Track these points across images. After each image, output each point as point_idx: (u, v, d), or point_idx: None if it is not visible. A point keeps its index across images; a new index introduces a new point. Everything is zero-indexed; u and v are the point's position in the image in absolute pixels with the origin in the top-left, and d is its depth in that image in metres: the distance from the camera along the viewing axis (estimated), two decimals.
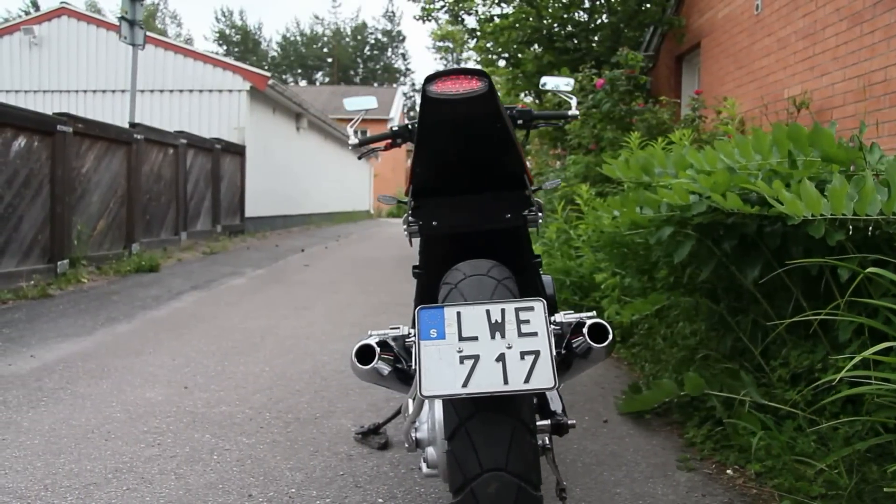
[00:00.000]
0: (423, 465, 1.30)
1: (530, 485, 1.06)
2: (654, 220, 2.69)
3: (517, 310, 1.10)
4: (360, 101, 2.41)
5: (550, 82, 2.32)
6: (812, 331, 2.21)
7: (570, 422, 1.33)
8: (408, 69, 58.19)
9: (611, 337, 1.31)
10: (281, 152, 13.70)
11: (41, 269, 5.69)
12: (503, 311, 1.09)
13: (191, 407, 2.70)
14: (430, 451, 1.28)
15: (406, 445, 1.34)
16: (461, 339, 1.07)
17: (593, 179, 4.87)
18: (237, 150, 11.42)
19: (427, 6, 9.05)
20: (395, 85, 47.60)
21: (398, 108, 32.60)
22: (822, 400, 2.00)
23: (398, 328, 1.58)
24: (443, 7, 9.03)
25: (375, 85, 48.01)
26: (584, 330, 1.30)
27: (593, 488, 1.95)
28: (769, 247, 2.26)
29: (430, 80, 1.20)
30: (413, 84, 55.43)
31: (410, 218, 1.47)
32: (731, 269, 2.49)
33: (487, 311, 1.09)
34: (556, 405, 1.37)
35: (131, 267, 6.62)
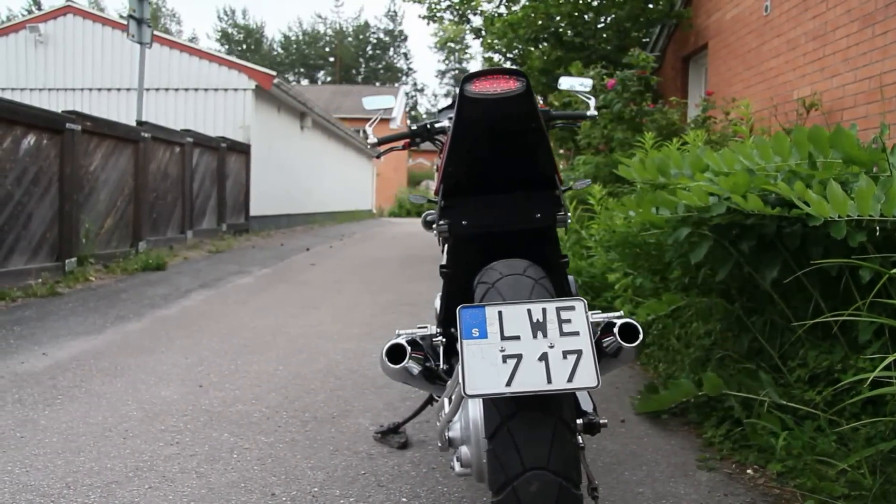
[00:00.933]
0: (456, 464, 1.30)
1: (571, 483, 1.06)
2: (671, 221, 2.69)
3: (558, 309, 1.10)
4: (378, 101, 2.42)
5: (567, 82, 2.32)
6: (830, 331, 2.21)
7: (601, 421, 1.33)
8: (410, 69, 58.40)
9: (641, 337, 1.32)
10: (285, 151, 13.71)
11: (49, 266, 5.70)
12: (544, 310, 1.10)
13: (207, 406, 2.70)
14: (464, 450, 1.28)
15: (439, 444, 1.35)
16: (503, 338, 1.07)
17: (604, 180, 4.87)
18: (242, 149, 11.43)
19: (433, 5, 9.06)
20: (396, 84, 47.61)
21: (400, 108, 32.59)
22: (842, 400, 2.01)
23: (425, 327, 1.59)
24: (448, 6, 9.03)
25: (377, 84, 48.01)
26: (615, 330, 1.31)
27: (616, 487, 1.95)
28: (788, 247, 2.26)
29: (467, 79, 1.20)
30: (415, 84, 55.48)
31: (437, 216, 1.47)
32: (745, 270, 2.49)
33: (529, 311, 1.09)
34: (587, 405, 1.38)
35: (138, 265, 6.62)
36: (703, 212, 2.38)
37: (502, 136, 1.29)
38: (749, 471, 2.07)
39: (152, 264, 6.70)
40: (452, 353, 1.62)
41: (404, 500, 1.88)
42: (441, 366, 1.54)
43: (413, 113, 49.70)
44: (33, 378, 3.03)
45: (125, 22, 9.77)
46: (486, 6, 8.88)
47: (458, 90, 1.23)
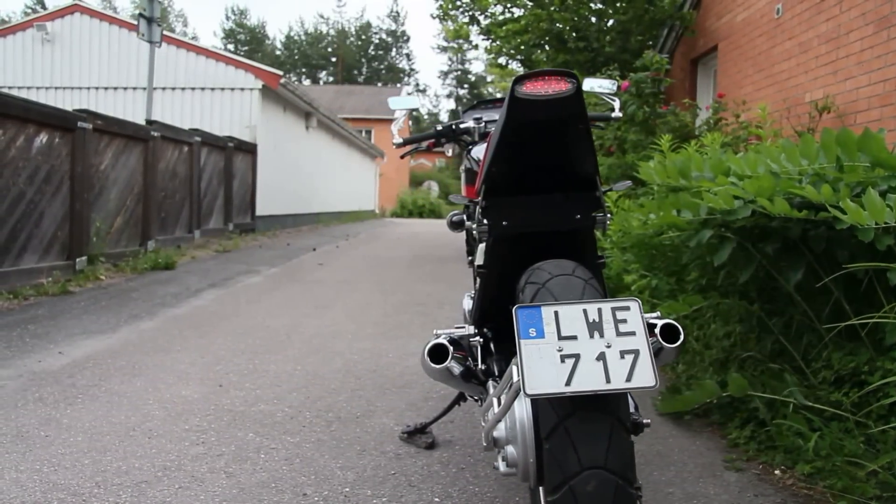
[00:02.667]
0: (501, 464, 1.30)
1: (627, 483, 1.07)
2: (693, 223, 2.70)
3: (613, 309, 1.10)
4: (404, 101, 2.43)
5: (590, 83, 2.32)
6: (855, 333, 2.22)
7: (644, 421, 1.33)
8: (412, 69, 58.41)
9: (682, 337, 1.33)
10: (291, 151, 13.71)
11: (60, 265, 5.71)
12: (600, 310, 1.10)
13: (229, 405, 2.70)
14: (510, 449, 1.28)
15: (483, 444, 1.35)
16: (560, 338, 1.08)
17: (616, 181, 4.87)
18: (249, 149, 11.43)
19: (444, 4, 9.11)
20: (398, 85, 47.61)
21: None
22: (868, 402, 2.01)
23: (463, 327, 1.60)
24: (460, 7, 9.10)
25: (379, 85, 48.03)
26: (657, 331, 1.32)
27: (646, 488, 1.96)
28: (814, 250, 2.26)
29: (519, 80, 1.21)
30: (417, 84, 55.49)
31: (477, 216, 1.47)
32: (765, 272, 2.50)
33: (584, 311, 1.10)
34: (630, 405, 1.38)
35: (148, 264, 6.63)
36: (726, 215, 2.39)
37: (551, 137, 1.29)
38: (777, 471, 2.07)
39: (161, 263, 6.71)
40: (488, 353, 1.63)
41: (437, 500, 1.89)
42: (479, 366, 1.55)
43: (415, 114, 49.68)
44: (52, 377, 3.03)
45: (133, 21, 9.80)
46: (492, 9, 8.93)
47: (508, 91, 1.23)
